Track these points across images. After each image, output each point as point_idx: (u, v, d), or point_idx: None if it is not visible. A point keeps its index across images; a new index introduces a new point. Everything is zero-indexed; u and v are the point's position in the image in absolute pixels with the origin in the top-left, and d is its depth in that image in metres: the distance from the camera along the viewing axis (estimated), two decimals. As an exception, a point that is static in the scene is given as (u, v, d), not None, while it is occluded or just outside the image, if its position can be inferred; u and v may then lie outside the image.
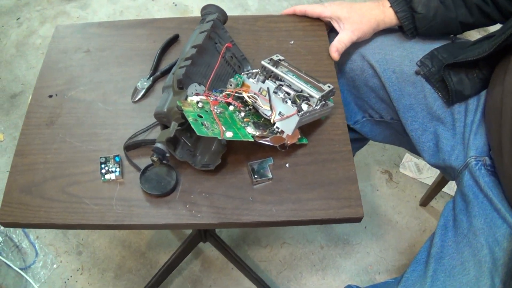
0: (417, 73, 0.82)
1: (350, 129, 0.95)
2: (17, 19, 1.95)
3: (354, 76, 0.87)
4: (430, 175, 1.43)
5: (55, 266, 1.29)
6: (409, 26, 0.82)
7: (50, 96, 0.80)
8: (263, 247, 1.30)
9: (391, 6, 0.82)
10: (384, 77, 0.83)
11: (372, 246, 1.30)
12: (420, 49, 0.83)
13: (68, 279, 1.26)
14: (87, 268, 1.28)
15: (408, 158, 1.48)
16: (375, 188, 1.41)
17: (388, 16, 0.82)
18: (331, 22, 0.86)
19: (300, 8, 0.89)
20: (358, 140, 1.03)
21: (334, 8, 0.85)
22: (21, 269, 1.27)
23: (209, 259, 1.28)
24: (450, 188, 1.38)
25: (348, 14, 0.82)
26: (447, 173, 0.85)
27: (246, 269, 1.16)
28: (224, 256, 1.22)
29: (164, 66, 0.84)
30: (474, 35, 1.77)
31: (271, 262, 1.27)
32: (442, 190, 1.32)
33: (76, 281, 1.26)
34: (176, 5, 1.97)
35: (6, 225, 0.69)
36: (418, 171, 1.45)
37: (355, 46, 0.86)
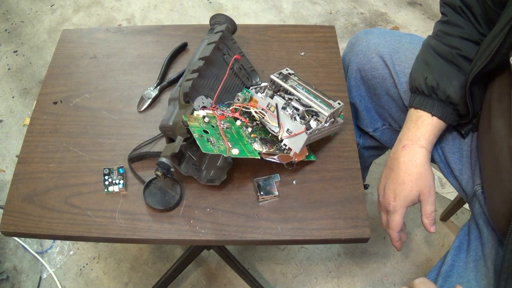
0: None
1: (370, 136, 0.93)
2: (51, 6, 1.94)
3: (375, 84, 0.84)
4: (452, 190, 1.39)
5: (71, 252, 1.28)
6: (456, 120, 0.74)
7: (55, 103, 0.79)
8: (281, 250, 1.29)
9: (434, 115, 0.72)
10: (401, 89, 0.81)
11: (389, 257, 1.28)
12: None
13: (83, 267, 1.25)
14: (104, 257, 1.27)
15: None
16: (396, 199, 1.40)
17: (437, 127, 0.73)
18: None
19: None
20: (376, 148, 1.00)
21: (416, 191, 0.72)
22: (37, 253, 1.26)
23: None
24: (472, 205, 1.36)
25: (424, 183, 0.72)
26: (462, 195, 0.83)
27: (249, 277, 1.15)
28: (229, 265, 1.21)
29: (171, 75, 0.82)
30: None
31: (287, 265, 1.26)
32: (463, 206, 1.30)
33: (92, 269, 1.25)
34: (210, 2, 1.94)
35: (7, 234, 0.68)
36: (441, 185, 1.42)
37: (378, 52, 0.82)
